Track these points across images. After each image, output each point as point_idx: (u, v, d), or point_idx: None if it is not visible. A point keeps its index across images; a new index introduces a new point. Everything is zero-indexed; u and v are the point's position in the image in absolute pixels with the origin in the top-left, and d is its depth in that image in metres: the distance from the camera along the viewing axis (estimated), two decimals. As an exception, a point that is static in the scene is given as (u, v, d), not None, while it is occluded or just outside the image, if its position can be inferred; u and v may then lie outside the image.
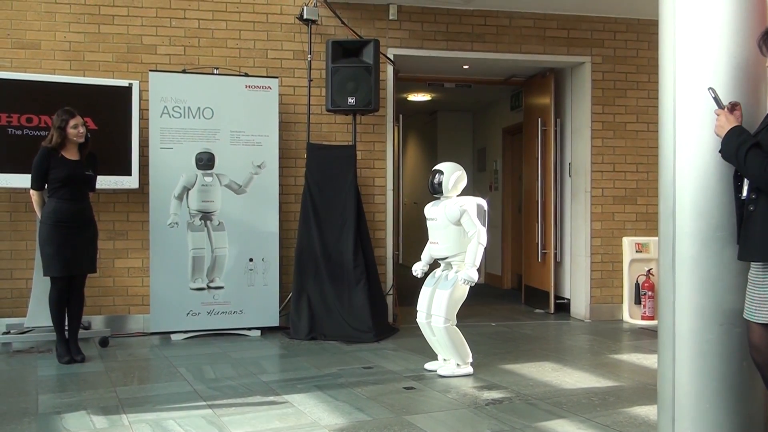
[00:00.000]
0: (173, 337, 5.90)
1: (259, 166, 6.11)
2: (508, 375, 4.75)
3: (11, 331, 5.67)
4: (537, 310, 7.55)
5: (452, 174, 4.79)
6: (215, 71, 6.25)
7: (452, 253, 4.72)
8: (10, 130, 5.59)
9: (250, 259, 6.06)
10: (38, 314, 5.52)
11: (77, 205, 5.09)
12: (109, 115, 5.76)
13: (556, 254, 7.38)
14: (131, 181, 5.82)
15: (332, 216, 6.12)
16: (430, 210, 4.88)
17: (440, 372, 4.72)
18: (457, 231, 4.67)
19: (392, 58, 6.77)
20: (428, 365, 4.86)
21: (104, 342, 5.63)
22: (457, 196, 4.81)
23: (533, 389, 4.37)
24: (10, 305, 6.00)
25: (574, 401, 4.12)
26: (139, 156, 5.88)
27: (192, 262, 5.94)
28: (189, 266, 5.94)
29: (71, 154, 5.08)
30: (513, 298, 8.59)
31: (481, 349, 5.56)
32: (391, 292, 6.66)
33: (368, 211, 6.51)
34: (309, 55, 6.49)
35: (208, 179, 6.00)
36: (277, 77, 6.33)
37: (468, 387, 4.43)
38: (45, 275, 5.10)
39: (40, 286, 5.47)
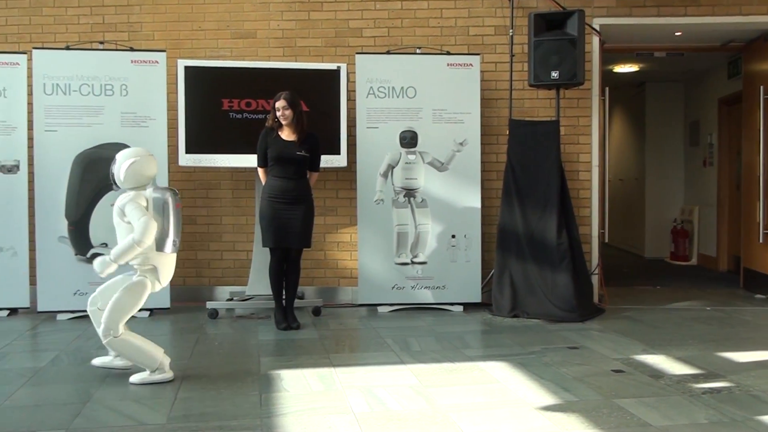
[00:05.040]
0: (379, 309, 6.12)
1: (461, 144, 6.14)
2: (726, 363, 4.42)
3: (234, 299, 6.16)
4: (758, 296, 6.96)
5: (122, 163, 4.00)
6: (418, 51, 6.34)
7: None
8: (231, 114, 6.02)
9: (453, 236, 6.13)
10: (258, 283, 5.95)
11: (288, 182, 5.38)
12: (319, 97, 6.03)
13: (781, 235, 6.75)
14: (340, 160, 6.08)
15: (535, 193, 6.00)
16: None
17: (131, 379, 4.01)
18: (127, 229, 3.94)
19: (598, 29, 6.51)
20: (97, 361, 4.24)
21: (317, 311, 5.97)
22: (152, 188, 4.03)
23: (755, 380, 4.03)
24: (232, 275, 6.55)
25: (806, 395, 3.76)
26: (347, 136, 6.12)
27: (397, 237, 6.12)
28: (394, 242, 6.12)
29: (287, 135, 5.40)
30: (730, 281, 7.99)
31: (696, 334, 5.25)
32: (596, 271, 6.44)
33: (572, 188, 6.33)
34: (511, 30, 6.39)
35: (411, 157, 6.13)
36: (478, 54, 6.32)
37: (682, 374, 4.19)
38: (263, 246, 5.49)
39: (260, 258, 5.90)
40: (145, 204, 3.95)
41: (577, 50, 5.93)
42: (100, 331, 3.97)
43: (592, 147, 6.58)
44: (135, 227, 3.85)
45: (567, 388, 3.87)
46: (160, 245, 3.97)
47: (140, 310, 5.75)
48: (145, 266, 4.02)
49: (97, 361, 4.20)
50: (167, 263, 4.09)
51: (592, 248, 6.51)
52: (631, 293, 7.13)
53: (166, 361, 4.07)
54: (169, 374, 4.05)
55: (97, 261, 3.93)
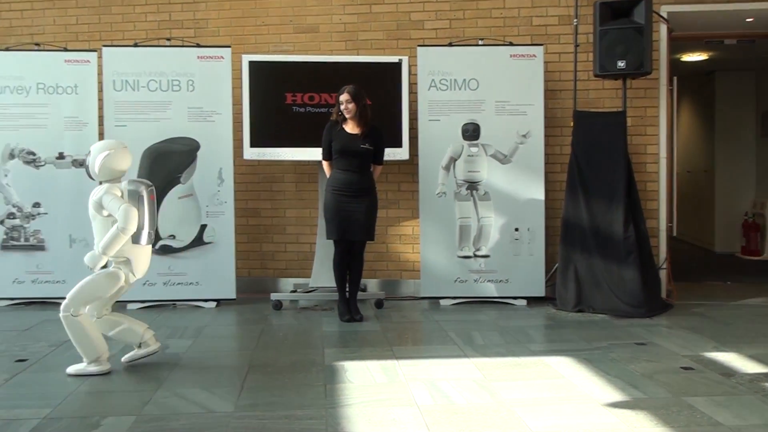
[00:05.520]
0: (442, 302, 6.10)
1: (524, 136, 6.08)
2: (805, 362, 4.28)
3: (298, 290, 6.23)
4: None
5: (96, 156, 4.05)
6: (480, 42, 6.29)
7: None
8: (294, 108, 6.08)
9: (516, 229, 6.08)
10: (321, 275, 6.02)
11: (352, 176, 5.41)
12: (381, 90, 6.02)
13: None
14: (402, 153, 6.08)
15: (600, 186, 5.89)
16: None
17: (68, 370, 4.08)
18: (103, 222, 4.02)
19: (665, 17, 6.34)
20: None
21: (379, 304, 5.99)
22: (126, 181, 4.12)
23: (837, 380, 3.89)
24: (296, 266, 6.63)
25: None
26: (409, 128, 6.11)
27: (459, 230, 6.09)
28: (456, 235, 6.10)
29: (351, 128, 5.43)
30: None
31: (772, 330, 5.10)
32: (664, 266, 6.29)
33: (639, 181, 6.18)
34: (575, 20, 6.28)
35: (473, 150, 6.09)
36: (542, 44, 6.22)
37: (754, 372, 4.06)
38: (327, 238, 5.54)
39: (323, 250, 5.96)
40: (120, 194, 4.02)
41: (644, 39, 5.79)
42: (62, 307, 4.00)
43: (660, 138, 6.42)
44: (117, 216, 3.91)
45: (635, 385, 3.80)
46: (135, 237, 4.05)
47: (207, 300, 6.00)
48: (119, 258, 4.08)
49: (125, 359, 4.24)
50: (142, 255, 4.16)
51: (659, 242, 6.36)
52: (701, 289, 6.94)
53: (105, 356, 4.11)
54: (105, 367, 4.09)
55: (87, 256, 3.98)
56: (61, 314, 4.02)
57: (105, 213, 4.00)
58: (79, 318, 4.01)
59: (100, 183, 4.12)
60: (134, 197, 4.04)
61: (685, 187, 10.68)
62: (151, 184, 4.18)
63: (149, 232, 4.09)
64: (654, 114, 6.42)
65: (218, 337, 5.07)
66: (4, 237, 6.15)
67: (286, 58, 6.27)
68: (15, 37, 6.72)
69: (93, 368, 4.07)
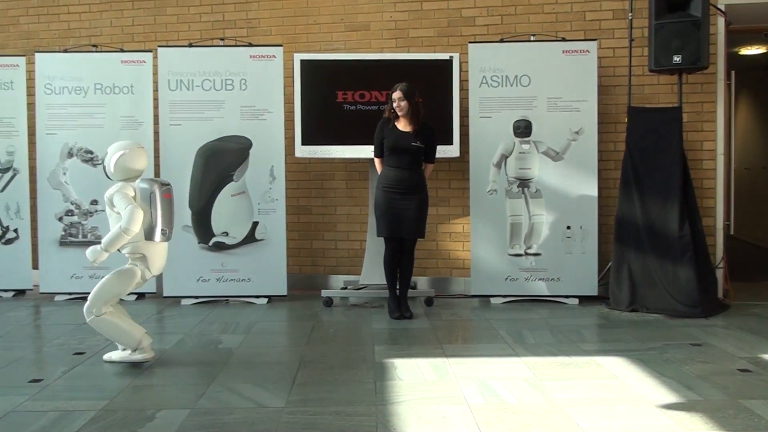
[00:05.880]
0: (492, 300, 6.07)
1: (576, 133, 5.99)
2: None
3: (348, 287, 6.26)
4: None
5: (112, 155, 4.14)
6: (532, 38, 6.22)
7: None
8: (345, 106, 6.11)
9: (568, 227, 6.00)
10: (371, 273, 6.03)
11: (403, 173, 5.41)
12: (431, 87, 5.99)
13: None
14: (452, 150, 6.06)
15: (655, 183, 5.78)
16: None
17: (104, 357, 4.22)
18: (117, 219, 4.07)
19: (723, 9, 6.18)
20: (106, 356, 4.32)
21: (429, 301, 5.98)
22: (140, 179, 4.18)
23: None
24: (347, 264, 6.67)
25: None
26: (460, 126, 6.08)
27: (510, 228, 6.05)
28: (507, 232, 6.05)
29: (403, 126, 5.44)
30: None
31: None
32: (721, 265, 6.14)
33: (696, 178, 6.05)
34: (630, 14, 6.16)
35: (525, 147, 6.03)
36: (595, 40, 6.13)
37: (818, 374, 3.95)
38: (377, 236, 5.56)
39: (373, 248, 5.98)
40: (132, 194, 4.09)
41: (701, 32, 5.66)
42: (85, 310, 4.13)
43: (717, 134, 6.27)
44: (123, 215, 4.00)
45: (690, 387, 3.72)
46: (149, 234, 4.12)
47: (258, 296, 6.08)
48: (135, 255, 4.18)
49: (107, 357, 4.30)
50: (157, 252, 4.22)
51: (716, 241, 6.21)
52: (759, 289, 6.75)
53: (146, 341, 4.21)
54: (148, 354, 4.20)
55: (89, 250, 4.07)
56: (86, 319, 4.14)
57: (116, 210, 4.09)
58: (104, 316, 4.13)
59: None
60: (146, 195, 4.11)
61: (743, 185, 10.41)
62: (167, 183, 4.26)
63: (163, 230, 4.15)
64: (711, 109, 6.27)
65: (269, 333, 5.13)
66: (63, 233, 6.34)
67: (337, 56, 6.31)
68: (73, 39, 6.92)
69: (137, 356, 4.18)
